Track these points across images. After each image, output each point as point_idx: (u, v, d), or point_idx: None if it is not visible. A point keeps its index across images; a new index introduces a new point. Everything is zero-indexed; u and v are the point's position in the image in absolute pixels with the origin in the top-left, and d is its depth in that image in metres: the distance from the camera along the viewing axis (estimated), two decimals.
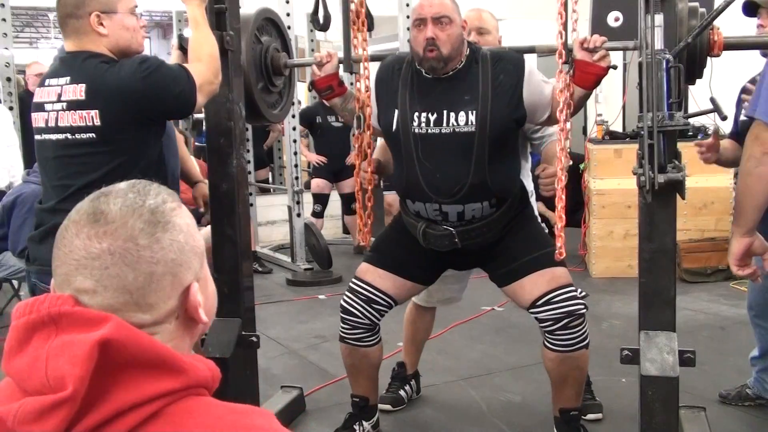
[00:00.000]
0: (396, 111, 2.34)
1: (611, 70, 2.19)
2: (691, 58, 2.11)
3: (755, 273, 2.01)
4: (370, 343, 2.53)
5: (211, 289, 0.91)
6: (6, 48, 4.96)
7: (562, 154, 2.16)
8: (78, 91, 1.91)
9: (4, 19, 4.94)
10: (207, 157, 2.45)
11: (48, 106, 1.97)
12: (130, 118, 1.92)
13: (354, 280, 2.52)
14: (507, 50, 2.39)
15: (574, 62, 2.16)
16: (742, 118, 2.56)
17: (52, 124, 1.95)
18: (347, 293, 2.51)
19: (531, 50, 2.37)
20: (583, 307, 2.33)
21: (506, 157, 2.36)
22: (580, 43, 2.14)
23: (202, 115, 2.50)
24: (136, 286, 0.80)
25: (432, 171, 2.30)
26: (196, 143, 7.19)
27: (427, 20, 2.25)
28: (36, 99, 2.03)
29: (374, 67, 2.48)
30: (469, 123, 2.25)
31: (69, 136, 1.93)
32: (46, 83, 2.01)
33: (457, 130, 2.26)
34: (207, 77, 2.02)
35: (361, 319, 2.48)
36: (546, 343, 2.35)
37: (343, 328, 2.52)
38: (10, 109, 4.74)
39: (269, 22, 2.64)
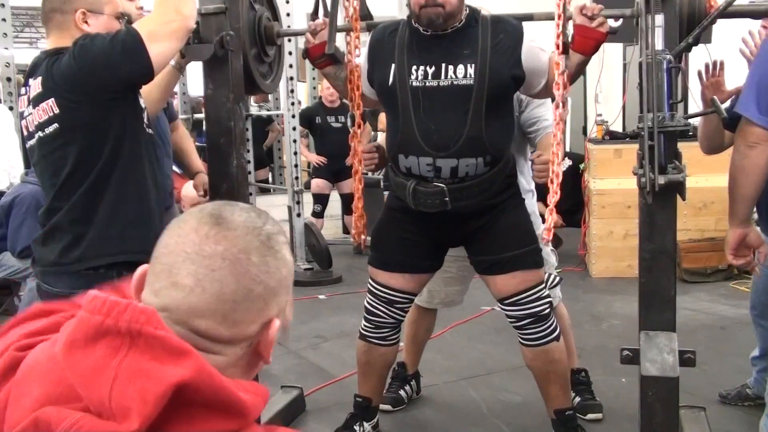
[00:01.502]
0: (393, 65, 2.31)
1: (612, 43, 2.21)
2: (690, 25, 2.09)
3: (751, 263, 2.12)
4: (392, 341, 2.56)
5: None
6: (6, 48, 4.95)
7: (560, 128, 2.17)
8: (37, 86, 1.89)
9: (4, 19, 4.93)
10: (207, 157, 2.45)
11: (26, 113, 1.95)
12: (83, 99, 1.86)
13: (371, 281, 2.53)
14: (505, 16, 2.37)
15: (573, 27, 2.15)
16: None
17: (31, 128, 1.93)
18: (369, 295, 2.54)
19: (529, 18, 2.36)
20: (546, 306, 2.40)
21: (502, 116, 2.34)
22: (580, 9, 2.14)
23: (202, 115, 2.49)
24: (233, 298, 0.79)
25: (428, 123, 2.26)
26: (197, 143, 7.17)
27: None
28: (20, 109, 2.03)
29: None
30: (468, 76, 2.24)
31: (41, 134, 1.90)
32: (22, 91, 2.00)
33: (455, 82, 2.25)
34: (160, 19, 1.86)
35: (386, 319, 2.51)
36: (519, 339, 2.45)
37: (366, 327, 2.54)
38: (10, 109, 4.74)
39: None
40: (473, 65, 2.24)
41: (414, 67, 2.28)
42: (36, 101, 1.89)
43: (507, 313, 2.43)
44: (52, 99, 1.86)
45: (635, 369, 2.12)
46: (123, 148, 1.92)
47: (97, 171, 1.89)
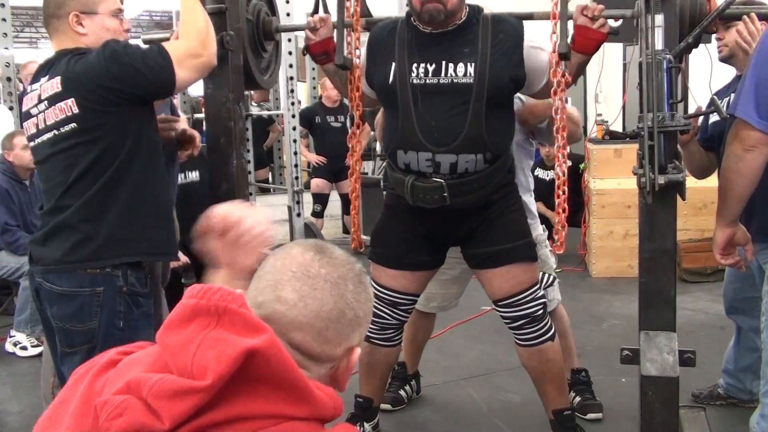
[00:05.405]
0: (393, 64, 2.31)
1: (612, 43, 2.23)
2: (690, 25, 2.10)
3: (738, 262, 2.17)
4: (396, 342, 2.58)
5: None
6: (6, 48, 4.95)
7: (562, 159, 2.22)
8: (54, 85, 1.90)
9: (4, 19, 4.93)
10: (207, 157, 2.45)
11: (34, 111, 1.96)
12: (104, 101, 1.88)
13: (374, 284, 2.51)
14: (506, 15, 2.37)
15: (574, 27, 2.17)
16: (713, 119, 2.58)
17: (41, 126, 1.94)
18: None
19: (529, 17, 2.36)
20: (541, 307, 2.41)
21: (502, 115, 2.34)
22: (581, 10, 2.15)
23: (202, 115, 2.49)
24: (329, 316, 0.89)
25: (428, 120, 2.26)
26: None
27: None
28: (23, 108, 2.03)
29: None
30: (468, 75, 2.24)
31: (56, 132, 1.91)
32: (29, 90, 2.01)
33: (455, 81, 2.25)
34: (190, 50, 1.94)
35: (390, 320, 2.52)
36: (515, 339, 2.47)
37: (371, 328, 2.53)
38: (10, 109, 4.74)
39: None
40: (473, 64, 2.24)
41: (414, 65, 2.28)
42: (53, 100, 1.90)
43: (502, 314, 2.45)
44: (72, 99, 1.88)
45: (635, 369, 2.12)
46: (140, 151, 1.95)
47: (112, 171, 1.90)
